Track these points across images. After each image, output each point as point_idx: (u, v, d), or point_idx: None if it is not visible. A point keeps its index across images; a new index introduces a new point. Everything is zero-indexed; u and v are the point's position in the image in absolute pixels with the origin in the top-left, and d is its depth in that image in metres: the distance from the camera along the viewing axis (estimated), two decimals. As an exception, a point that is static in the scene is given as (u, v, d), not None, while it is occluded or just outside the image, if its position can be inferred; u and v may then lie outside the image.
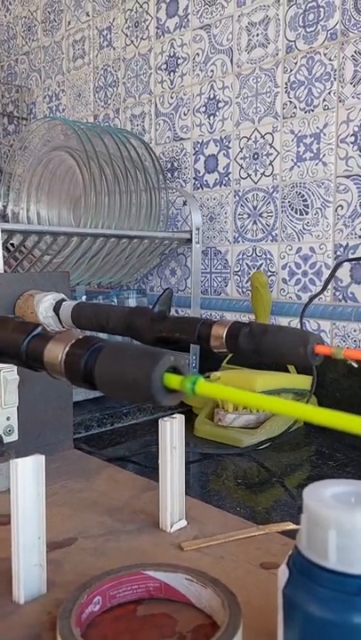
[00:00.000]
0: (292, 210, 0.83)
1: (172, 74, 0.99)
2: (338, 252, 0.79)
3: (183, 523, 0.45)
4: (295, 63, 0.82)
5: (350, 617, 0.24)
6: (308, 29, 0.80)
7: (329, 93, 0.78)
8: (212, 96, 0.93)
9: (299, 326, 0.76)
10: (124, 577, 0.34)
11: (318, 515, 0.24)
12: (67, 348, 0.29)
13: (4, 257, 0.74)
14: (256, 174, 0.88)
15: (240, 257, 0.91)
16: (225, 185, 0.92)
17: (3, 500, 0.39)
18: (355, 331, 0.77)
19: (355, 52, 0.75)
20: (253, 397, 0.23)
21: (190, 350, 0.88)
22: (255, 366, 0.80)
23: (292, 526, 0.45)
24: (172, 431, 0.43)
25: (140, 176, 0.88)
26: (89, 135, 0.83)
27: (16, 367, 0.53)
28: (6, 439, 0.54)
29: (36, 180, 0.95)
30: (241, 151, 0.89)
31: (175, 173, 1.00)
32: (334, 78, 0.78)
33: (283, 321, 0.84)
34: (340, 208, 0.78)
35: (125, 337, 0.49)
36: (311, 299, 0.73)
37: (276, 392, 0.73)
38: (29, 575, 0.35)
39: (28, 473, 0.34)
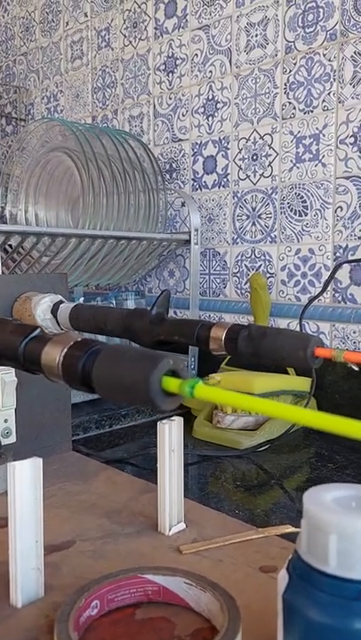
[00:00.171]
0: (291, 211, 0.83)
1: (170, 74, 0.99)
2: (337, 254, 0.79)
3: (182, 525, 0.45)
4: (294, 64, 0.82)
5: (350, 622, 0.23)
6: (307, 30, 0.80)
7: (328, 94, 0.78)
8: (210, 97, 0.93)
9: (298, 328, 0.76)
10: (123, 580, 0.34)
11: (319, 519, 0.24)
12: (64, 351, 0.29)
13: (1, 258, 0.73)
14: (255, 175, 0.87)
15: (239, 258, 0.91)
16: (224, 186, 0.92)
17: (0, 503, 0.39)
18: (354, 332, 0.77)
19: (354, 52, 0.75)
20: (252, 401, 0.23)
21: (189, 352, 0.88)
22: (254, 368, 0.79)
23: (291, 529, 0.45)
24: (170, 434, 0.43)
25: (138, 177, 0.88)
26: (87, 136, 0.83)
27: (14, 369, 0.53)
28: (4, 441, 0.53)
29: (34, 182, 0.95)
30: (240, 152, 0.89)
31: (174, 174, 0.99)
32: (334, 79, 0.77)
33: (282, 322, 0.84)
34: (339, 209, 0.78)
35: (124, 339, 0.49)
36: (311, 300, 0.73)
37: (276, 394, 0.73)
38: (27, 579, 0.35)
39: (26, 476, 0.34)
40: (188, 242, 0.91)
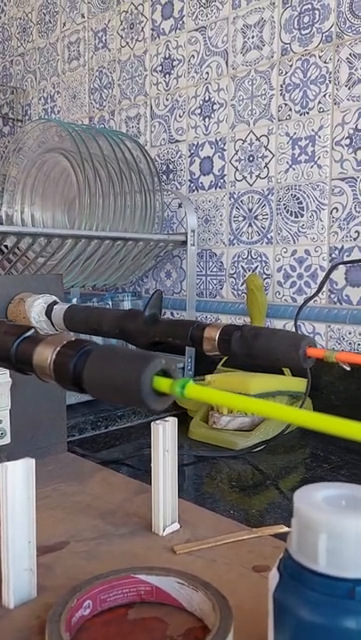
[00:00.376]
0: (287, 212, 0.83)
1: (167, 76, 0.99)
2: (333, 255, 0.79)
3: (176, 526, 0.45)
4: (290, 65, 0.82)
5: (340, 621, 0.23)
6: (303, 32, 0.80)
7: (324, 96, 0.78)
8: (207, 98, 0.93)
9: (294, 329, 0.76)
10: (115, 581, 0.34)
11: (309, 518, 0.24)
12: (56, 351, 0.29)
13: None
14: (251, 177, 0.88)
15: (235, 259, 0.91)
16: (220, 187, 0.92)
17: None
18: (350, 333, 0.77)
19: (350, 54, 0.75)
20: (243, 401, 0.23)
21: (185, 353, 0.88)
22: (250, 368, 0.80)
23: (285, 529, 0.45)
24: (164, 434, 0.43)
25: (134, 178, 0.88)
26: (83, 137, 0.83)
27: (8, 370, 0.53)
28: (-1, 442, 0.53)
29: (30, 182, 0.95)
30: (236, 153, 0.89)
31: (170, 175, 1.00)
32: (329, 81, 0.78)
33: (278, 323, 0.84)
34: (335, 210, 0.78)
35: (120, 340, 0.49)
36: (306, 301, 0.73)
37: (271, 395, 0.73)
38: (19, 580, 0.35)
39: (18, 477, 0.34)
40: (184, 243, 0.91)
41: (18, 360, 0.31)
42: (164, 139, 1.01)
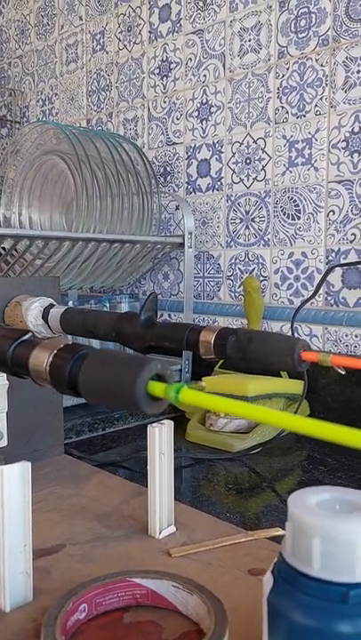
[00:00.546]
0: (284, 215, 0.84)
1: (164, 78, 1.00)
2: (330, 257, 0.79)
3: (172, 529, 0.45)
4: (287, 69, 0.82)
5: (334, 625, 0.23)
6: (299, 35, 0.80)
7: (321, 99, 0.79)
8: (204, 101, 0.93)
9: (290, 331, 0.76)
10: (111, 584, 0.34)
11: (303, 522, 0.24)
12: (52, 355, 0.29)
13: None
14: (248, 179, 0.88)
15: (233, 261, 0.91)
16: (217, 189, 0.92)
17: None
18: (346, 335, 0.77)
19: (346, 57, 0.76)
20: (236, 405, 0.23)
21: (183, 356, 0.88)
22: (247, 371, 0.80)
23: (281, 532, 0.45)
24: (160, 437, 0.43)
25: (132, 180, 0.88)
26: (80, 139, 0.83)
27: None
28: (-5, 445, 0.53)
29: (27, 184, 0.95)
30: (233, 156, 0.90)
31: (168, 178, 1.00)
32: (326, 84, 0.78)
33: (275, 325, 0.85)
34: (331, 213, 0.78)
35: (117, 343, 0.49)
36: (302, 303, 0.73)
37: (268, 397, 0.73)
38: (15, 583, 0.35)
39: (15, 480, 0.34)
40: (182, 245, 0.91)
41: (14, 363, 0.31)
42: (161, 141, 1.01)
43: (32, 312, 0.49)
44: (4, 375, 0.53)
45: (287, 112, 0.82)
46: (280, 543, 0.42)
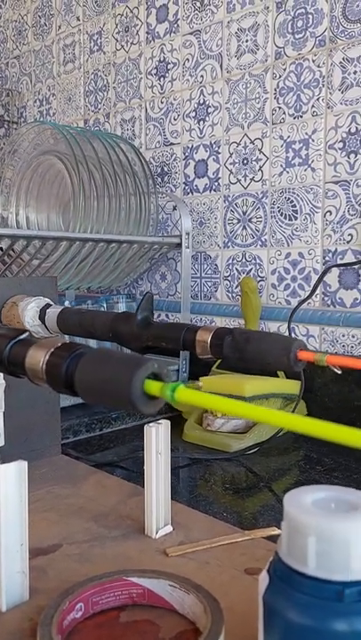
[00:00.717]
0: (281, 215, 0.84)
1: (162, 79, 1.00)
2: (326, 258, 0.79)
3: (169, 528, 0.45)
4: (284, 69, 0.82)
5: (329, 623, 0.24)
6: (296, 36, 0.80)
7: (318, 100, 0.79)
8: (201, 101, 0.93)
9: (287, 331, 0.76)
10: (107, 583, 0.34)
11: (298, 521, 0.24)
12: (48, 354, 0.29)
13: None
14: (245, 179, 0.88)
15: (230, 262, 0.91)
16: (215, 190, 0.92)
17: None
18: (343, 336, 0.77)
19: (343, 58, 0.76)
20: (232, 404, 0.23)
21: (180, 355, 0.88)
22: (245, 371, 0.80)
23: (277, 531, 0.45)
24: (157, 436, 0.43)
25: (129, 180, 0.88)
26: (78, 139, 0.83)
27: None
28: (-8, 444, 0.53)
29: (25, 184, 0.95)
30: (230, 156, 0.90)
31: (165, 178, 1.00)
32: (323, 85, 0.78)
33: (272, 326, 0.85)
34: (328, 214, 0.78)
35: (114, 343, 0.49)
36: (299, 304, 0.74)
37: (265, 397, 0.73)
38: (11, 582, 0.35)
39: (11, 479, 0.34)
40: (179, 245, 0.91)
41: (10, 362, 0.31)
42: (158, 141, 1.01)
43: (29, 312, 0.49)
44: (1, 375, 0.53)
45: (284, 113, 0.82)
46: (277, 542, 0.42)
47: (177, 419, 0.79)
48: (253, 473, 0.62)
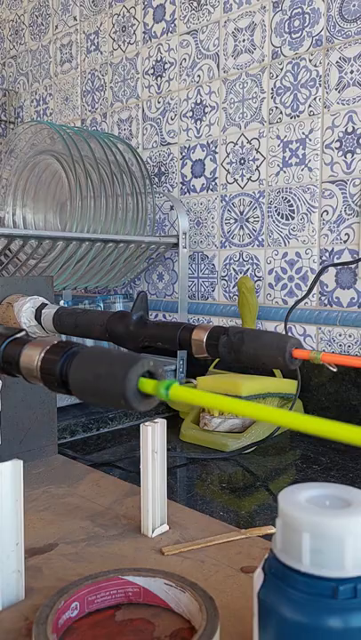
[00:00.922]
0: (278, 215, 0.84)
1: (159, 78, 1.00)
2: (323, 257, 0.79)
3: (165, 527, 0.45)
4: (281, 69, 0.82)
5: (324, 620, 0.24)
6: (293, 35, 0.81)
7: (314, 99, 0.79)
8: (198, 101, 0.93)
9: (284, 331, 0.76)
10: (103, 582, 0.34)
11: (292, 518, 0.24)
12: (43, 353, 0.29)
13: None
14: (243, 179, 0.88)
15: (227, 262, 0.91)
16: (212, 190, 0.92)
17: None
18: (340, 335, 0.78)
19: (339, 58, 0.76)
20: (226, 401, 0.23)
21: (177, 355, 0.88)
22: (242, 370, 0.80)
23: (273, 530, 0.45)
24: (153, 436, 0.43)
25: (126, 180, 0.88)
26: (75, 139, 0.83)
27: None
28: (-11, 444, 0.53)
29: (21, 184, 0.95)
30: (228, 156, 0.90)
31: (162, 178, 1.00)
32: (319, 84, 0.78)
33: (269, 325, 0.85)
34: (325, 213, 0.79)
35: (111, 343, 0.49)
36: (296, 303, 0.74)
37: (262, 396, 0.73)
38: (7, 582, 0.35)
39: (6, 478, 0.34)
40: (176, 245, 0.91)
41: (5, 361, 0.31)
42: (155, 141, 1.01)
43: (25, 313, 0.49)
44: (-2, 375, 0.53)
45: (281, 112, 0.83)
46: (272, 540, 0.42)
47: (174, 418, 0.79)
48: (250, 472, 0.62)
